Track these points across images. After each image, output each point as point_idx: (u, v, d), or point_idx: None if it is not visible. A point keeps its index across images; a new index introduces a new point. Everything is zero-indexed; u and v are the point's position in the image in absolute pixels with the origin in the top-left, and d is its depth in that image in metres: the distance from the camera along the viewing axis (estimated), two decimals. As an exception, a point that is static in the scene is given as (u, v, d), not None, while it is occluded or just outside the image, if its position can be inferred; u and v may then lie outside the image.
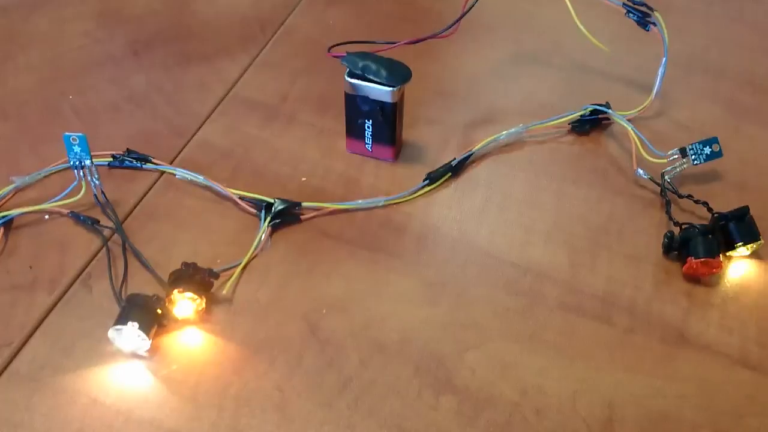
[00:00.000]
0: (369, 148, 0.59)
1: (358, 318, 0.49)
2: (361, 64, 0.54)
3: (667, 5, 0.74)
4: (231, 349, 0.48)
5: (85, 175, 0.54)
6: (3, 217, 0.54)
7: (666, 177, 0.57)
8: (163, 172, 0.59)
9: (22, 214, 0.55)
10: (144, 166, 0.59)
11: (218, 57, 0.70)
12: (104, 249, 0.53)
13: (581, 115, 0.62)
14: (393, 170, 0.59)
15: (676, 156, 0.57)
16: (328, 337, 0.48)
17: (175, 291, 0.47)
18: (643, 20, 0.60)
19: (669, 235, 0.53)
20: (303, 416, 0.44)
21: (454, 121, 0.63)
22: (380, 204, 0.56)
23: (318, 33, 0.73)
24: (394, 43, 0.59)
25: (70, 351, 0.47)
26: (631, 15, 0.60)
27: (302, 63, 0.69)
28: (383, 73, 0.54)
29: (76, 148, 0.52)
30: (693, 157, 0.57)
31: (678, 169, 0.57)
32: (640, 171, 0.58)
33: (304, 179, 0.58)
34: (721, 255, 0.51)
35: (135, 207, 0.56)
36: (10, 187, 0.56)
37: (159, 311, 0.47)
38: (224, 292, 0.50)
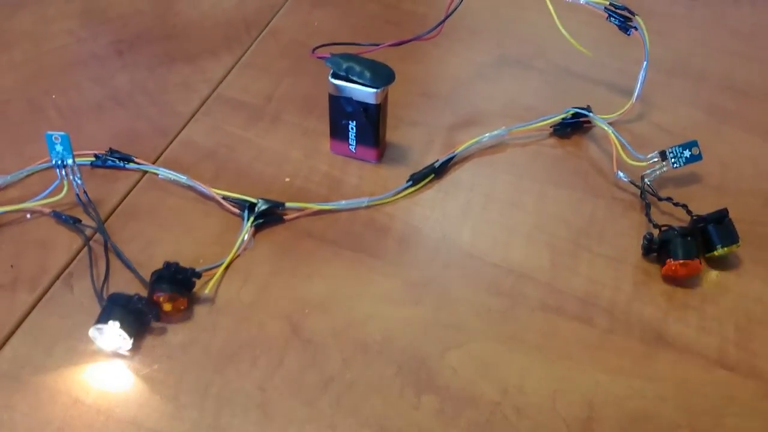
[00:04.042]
0: (353, 149, 0.59)
1: (340, 318, 0.49)
2: (345, 66, 0.54)
3: (649, 10, 0.74)
4: (213, 349, 0.47)
5: (67, 174, 0.54)
6: (-16, 215, 0.54)
7: (646, 180, 0.58)
8: (145, 172, 0.58)
9: (4, 213, 0.54)
10: (127, 165, 0.58)
11: (203, 57, 0.70)
12: (86, 248, 0.52)
13: (563, 118, 0.62)
14: (376, 171, 0.59)
15: (656, 159, 0.58)
16: (310, 337, 0.48)
17: (157, 290, 0.47)
18: (625, 24, 0.60)
19: (648, 236, 0.53)
20: (284, 415, 0.45)
21: (437, 123, 0.64)
22: (363, 205, 0.57)
23: (303, 34, 0.73)
24: (378, 44, 0.59)
25: (51, 350, 0.47)
26: (612, 19, 0.61)
27: (287, 64, 0.69)
28: (367, 74, 0.54)
29: (59, 147, 0.52)
30: (673, 160, 0.57)
31: (658, 172, 0.58)
32: (621, 174, 0.58)
33: (287, 180, 0.58)
34: (700, 257, 0.52)
35: (117, 206, 0.56)
36: (-8, 185, 0.56)
37: (140, 310, 0.47)
38: (206, 291, 0.50)
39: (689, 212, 0.55)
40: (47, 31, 0.72)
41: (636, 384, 0.47)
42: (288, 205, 0.55)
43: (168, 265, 0.49)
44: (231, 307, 0.50)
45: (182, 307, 0.49)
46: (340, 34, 0.73)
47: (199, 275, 0.49)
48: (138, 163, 0.58)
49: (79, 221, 0.54)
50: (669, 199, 0.56)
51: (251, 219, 0.54)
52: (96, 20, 0.74)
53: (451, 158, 0.59)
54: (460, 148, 0.60)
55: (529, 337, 0.49)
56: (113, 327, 0.45)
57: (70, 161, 0.53)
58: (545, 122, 0.62)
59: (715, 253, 0.53)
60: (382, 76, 0.55)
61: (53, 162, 0.53)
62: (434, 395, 0.46)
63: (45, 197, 0.54)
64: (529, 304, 0.51)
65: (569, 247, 0.54)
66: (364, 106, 0.56)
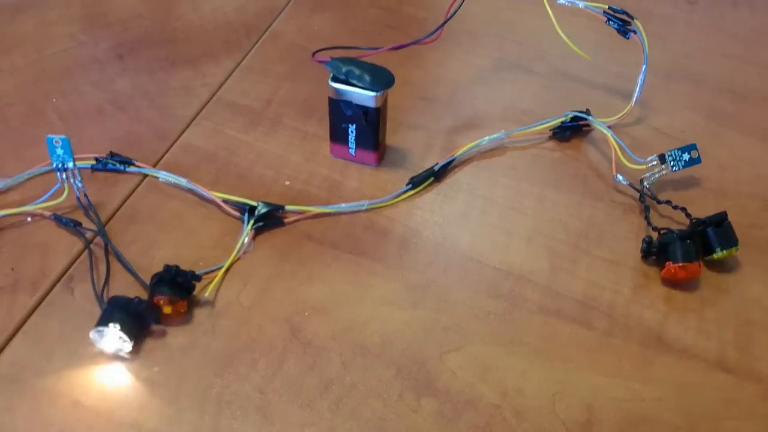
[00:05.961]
0: (352, 153, 0.60)
1: (340, 321, 0.49)
2: (344, 69, 0.55)
3: (648, 13, 0.75)
4: (213, 352, 0.48)
5: (67, 178, 0.54)
6: (-15, 219, 0.54)
7: (645, 183, 0.58)
8: (146, 175, 0.59)
9: (5, 216, 0.54)
10: (127, 169, 0.59)
11: (203, 61, 0.70)
12: (86, 251, 0.53)
13: (562, 122, 0.62)
14: (376, 175, 0.60)
15: (655, 162, 0.58)
16: (310, 340, 0.48)
17: (157, 293, 0.47)
18: (624, 28, 0.60)
19: (647, 239, 0.53)
20: (284, 418, 0.45)
21: (436, 127, 0.64)
22: (363, 208, 0.57)
23: (302, 38, 0.73)
24: (378, 48, 0.59)
25: (51, 353, 0.47)
26: (611, 23, 0.61)
27: (286, 68, 0.70)
28: (367, 78, 0.54)
29: (59, 151, 0.52)
30: (672, 163, 0.57)
31: (657, 175, 0.58)
32: (620, 177, 0.58)
33: (287, 183, 0.59)
34: (699, 260, 0.52)
35: (118, 210, 0.56)
36: (-7, 189, 0.56)
37: (141, 313, 0.47)
38: (206, 294, 0.50)
39: (688, 215, 0.55)
40: (48, 35, 0.73)
41: (635, 387, 0.47)
42: (288, 208, 0.55)
43: (168, 268, 0.49)
44: (231, 310, 0.50)
45: (182, 310, 0.49)
46: (340, 38, 0.73)
47: (199, 278, 0.50)
48: (138, 167, 0.59)
49: (80, 224, 0.54)
50: (668, 202, 0.56)
51: (251, 222, 0.54)
52: (97, 24, 0.74)
53: (451, 162, 0.60)
54: (460, 152, 0.60)
55: (528, 340, 0.49)
56: (114, 330, 0.46)
57: (70, 165, 0.53)
58: (544, 126, 0.62)
59: (714, 256, 0.53)
60: (381, 79, 0.55)
61: (54, 165, 0.53)
62: (434, 398, 0.46)
63: (45, 200, 0.54)
64: (528, 307, 0.51)
65: (568, 250, 0.55)
66: (364, 110, 0.56)
